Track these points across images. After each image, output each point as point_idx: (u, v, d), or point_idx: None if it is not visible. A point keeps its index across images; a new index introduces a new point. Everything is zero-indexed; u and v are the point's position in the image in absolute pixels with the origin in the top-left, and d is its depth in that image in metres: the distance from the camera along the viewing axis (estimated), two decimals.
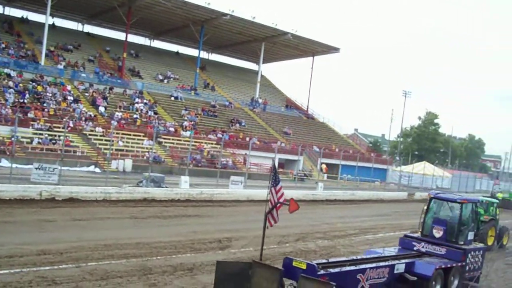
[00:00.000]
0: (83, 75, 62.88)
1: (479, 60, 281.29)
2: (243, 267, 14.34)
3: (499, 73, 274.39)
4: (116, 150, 48.17)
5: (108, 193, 31.12)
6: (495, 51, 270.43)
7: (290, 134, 76.56)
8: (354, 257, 17.23)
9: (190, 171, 42.46)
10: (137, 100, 62.28)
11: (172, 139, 56.31)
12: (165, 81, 73.84)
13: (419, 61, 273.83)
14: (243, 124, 70.88)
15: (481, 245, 21.57)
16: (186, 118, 63.53)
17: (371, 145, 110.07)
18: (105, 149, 46.95)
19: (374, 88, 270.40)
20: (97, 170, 44.13)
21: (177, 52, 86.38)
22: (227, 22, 71.40)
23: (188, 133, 56.76)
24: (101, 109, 56.49)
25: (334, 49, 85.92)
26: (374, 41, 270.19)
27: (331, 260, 16.03)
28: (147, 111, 60.97)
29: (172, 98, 68.41)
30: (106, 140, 47.73)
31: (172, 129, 58.85)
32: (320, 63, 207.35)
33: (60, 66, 61.66)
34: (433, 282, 17.16)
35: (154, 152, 46.38)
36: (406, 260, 17.54)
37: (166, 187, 35.56)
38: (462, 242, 19.13)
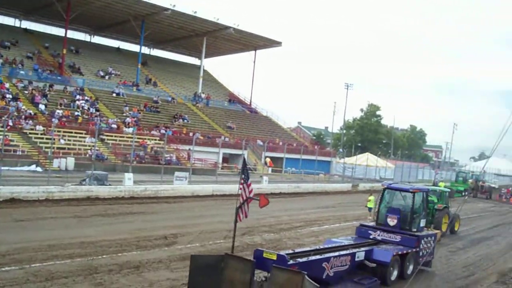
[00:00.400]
0: (21, 72, 61.37)
1: (419, 51, 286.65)
2: (216, 260, 14.59)
3: (439, 64, 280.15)
4: (58, 148, 47.34)
5: (50, 192, 30.56)
6: (434, 43, 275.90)
7: (234, 128, 76.61)
8: (317, 247, 17.84)
9: (133, 168, 42.05)
10: (78, 97, 61.26)
11: (115, 136, 55.65)
12: (107, 77, 72.83)
13: (360, 53, 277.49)
14: (186, 119, 70.56)
15: (432, 231, 22.80)
16: (128, 115, 62.86)
17: (314, 137, 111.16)
18: (46, 147, 46.06)
19: (316, 81, 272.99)
20: (39, 169, 43.19)
21: (118, 48, 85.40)
22: (168, 17, 70.87)
23: (131, 130, 56.12)
24: (41, 106, 55.37)
25: (276, 43, 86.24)
26: (316, 34, 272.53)
27: (297, 250, 16.65)
28: (88, 108, 60.03)
29: (114, 95, 67.59)
30: (47, 139, 46.80)
31: (114, 125, 58.15)
32: (262, 57, 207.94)
33: None
34: (391, 268, 18.31)
35: (97, 150, 45.76)
36: (365, 248, 18.45)
37: (110, 184, 35.12)
38: (415, 230, 20.31)
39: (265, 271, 14.40)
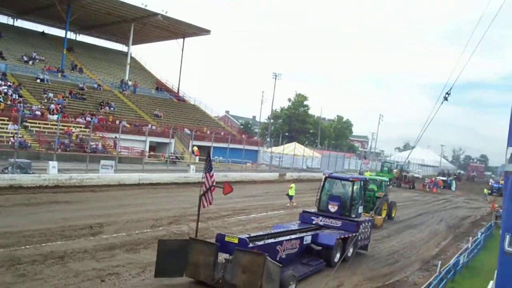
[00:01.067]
0: None
1: (345, 44, 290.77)
2: (182, 244, 16.21)
3: (365, 56, 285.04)
4: None
5: None
6: (359, 36, 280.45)
7: (161, 116, 76.06)
8: (269, 232, 19.64)
9: (58, 156, 41.31)
10: (0, 82, 59.56)
11: (39, 123, 54.31)
12: (30, 62, 70.88)
13: (288, 44, 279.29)
14: (112, 107, 69.58)
15: (369, 217, 25.29)
16: (53, 101, 61.50)
17: (242, 127, 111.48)
18: None
19: (245, 70, 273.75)
20: None
21: (43, 32, 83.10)
22: (95, 1, 69.45)
23: (55, 117, 54.84)
24: None
25: (205, 31, 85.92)
26: (245, 23, 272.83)
27: (252, 234, 17.83)
28: (11, 94, 58.43)
29: (38, 81, 65.85)
30: None
31: (38, 112, 56.74)
32: (191, 45, 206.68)
33: None
34: (335, 251, 20.44)
35: (20, 137, 44.74)
36: (312, 233, 20.55)
37: (34, 173, 34.44)
38: (354, 215, 22.64)
39: (228, 253, 15.80)
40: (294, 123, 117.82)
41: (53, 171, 35.56)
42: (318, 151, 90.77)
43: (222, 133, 79.19)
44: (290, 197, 37.58)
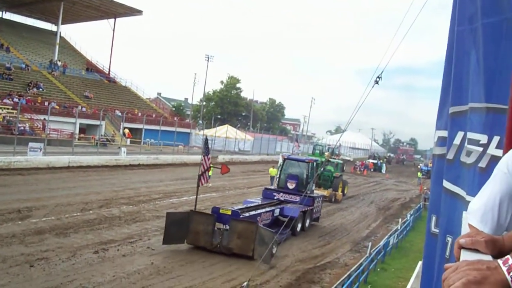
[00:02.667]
0: None
1: (277, 27, 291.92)
2: (184, 216, 19.65)
3: (296, 39, 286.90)
4: None
5: None
6: (293, 19, 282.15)
7: (92, 98, 74.80)
8: (245, 206, 23.06)
9: None
10: None
11: None
12: None
13: (220, 26, 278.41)
14: (41, 88, 67.94)
15: (321, 193, 31.07)
16: None
17: (174, 109, 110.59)
18: None
19: (177, 52, 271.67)
20: None
21: None
22: None
23: None
24: None
25: (137, 12, 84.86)
26: (177, 4, 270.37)
27: (234, 208, 21.25)
28: None
29: None
30: None
31: None
32: (123, 26, 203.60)
33: None
34: (298, 222, 24.06)
35: None
36: (280, 206, 24.46)
37: None
38: (309, 192, 25.80)
39: (222, 223, 19.37)
40: (227, 106, 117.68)
41: None
42: (251, 133, 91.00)
43: (154, 115, 78.49)
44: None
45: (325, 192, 37.19)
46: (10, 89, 62.79)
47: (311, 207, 26.32)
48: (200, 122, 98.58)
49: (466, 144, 3.12)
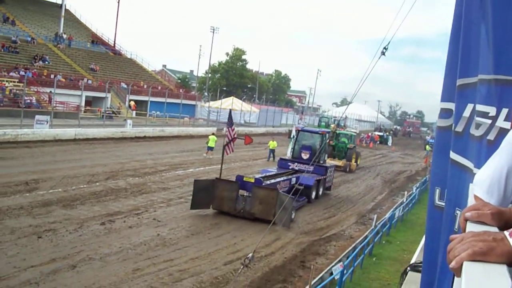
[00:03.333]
0: None
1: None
2: (210, 183, 21.30)
3: (302, 9, 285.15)
4: None
5: None
6: None
7: (97, 70, 74.66)
8: (264, 175, 24.44)
9: None
10: None
11: None
12: None
13: None
14: (47, 61, 67.79)
15: (333, 163, 33.82)
16: None
17: (179, 81, 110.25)
18: None
19: (182, 24, 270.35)
20: None
21: None
22: None
23: None
24: None
25: None
26: None
27: (256, 176, 22.93)
28: None
29: None
30: None
31: None
32: None
33: None
34: (313, 190, 26.17)
35: None
36: (295, 175, 25.77)
37: None
38: (322, 162, 28.90)
39: (246, 190, 20.95)
40: (232, 78, 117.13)
41: None
42: (256, 106, 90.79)
43: (159, 88, 78.38)
44: (210, 148, 37.83)
45: (339, 163, 41.47)
46: (16, 62, 62.69)
47: (324, 177, 28.07)
48: (206, 94, 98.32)
49: (475, 116, 3.10)
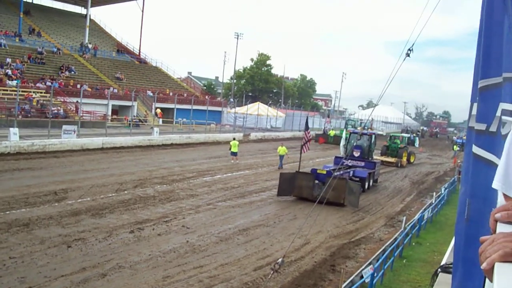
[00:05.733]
0: None
1: (304, 2, 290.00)
2: (291, 175, 26.66)
3: (326, 13, 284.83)
4: None
5: None
6: None
7: (123, 79, 75.24)
8: (334, 167, 29.35)
9: (19, 122, 40.65)
10: None
11: None
12: None
13: (249, 3, 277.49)
14: (73, 71, 68.49)
15: (378, 160, 38.67)
16: (11, 67, 60.31)
17: (205, 88, 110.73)
18: None
19: (207, 31, 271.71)
20: None
21: None
22: None
23: (14, 82, 53.99)
24: None
25: None
26: None
27: (327, 169, 28.24)
28: None
29: None
30: None
31: None
32: (151, 6, 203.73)
33: None
34: (366, 181, 31.24)
35: None
36: (351, 170, 31.03)
37: None
38: (371, 158, 35.12)
39: (319, 180, 26.19)
40: (257, 83, 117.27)
41: (14, 138, 34.98)
42: (282, 110, 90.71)
43: (185, 95, 78.74)
44: (234, 154, 37.84)
45: (392, 160, 50.46)
46: (42, 73, 63.44)
47: (373, 170, 33.51)
48: (231, 100, 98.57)
49: (501, 115, 3.04)
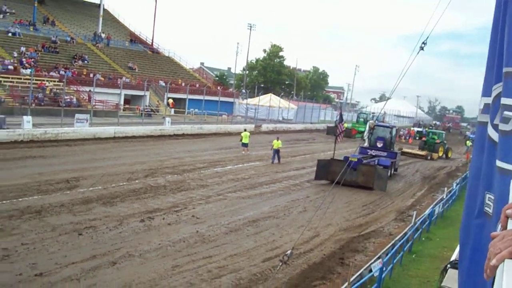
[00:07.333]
0: None
1: None
2: (327, 162, 30.03)
3: (338, 4, 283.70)
4: None
5: None
6: None
7: (136, 69, 75.35)
8: (361, 156, 33.11)
9: (32, 110, 40.82)
10: None
11: (12, 78, 53.54)
12: (1, 16, 69.47)
13: None
14: (86, 60, 68.69)
15: (398, 150, 42.00)
16: (25, 55, 60.53)
17: (217, 78, 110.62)
18: None
19: (219, 21, 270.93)
20: None
21: None
22: None
23: (28, 71, 54.13)
24: None
25: None
26: None
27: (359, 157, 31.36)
28: None
29: (10, 34, 64.60)
30: None
31: (11, 67, 55.86)
32: None
33: None
34: (389, 169, 33.20)
35: None
36: (375, 159, 33.98)
37: (8, 128, 34.06)
38: (392, 149, 37.89)
39: (352, 167, 27.20)
40: (270, 74, 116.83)
41: (27, 126, 35.21)
42: (294, 102, 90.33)
43: (197, 85, 78.70)
44: (245, 145, 37.80)
45: (422, 152, 54.20)
46: (56, 62, 63.62)
47: (394, 160, 36.52)
48: (243, 91, 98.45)
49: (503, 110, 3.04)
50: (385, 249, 16.61)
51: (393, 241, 17.61)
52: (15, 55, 59.43)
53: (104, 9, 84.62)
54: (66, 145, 34.03)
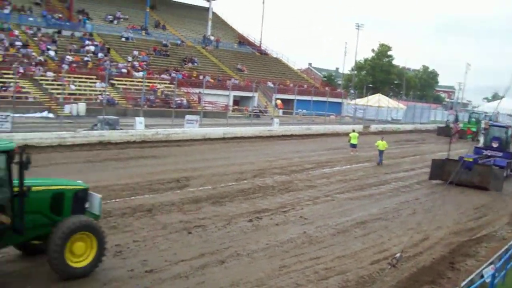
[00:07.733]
0: (30, 19, 60.65)
1: None
2: (441, 162, 29.33)
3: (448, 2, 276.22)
4: (69, 94, 47.33)
5: (62, 138, 30.91)
6: None
7: (244, 71, 76.28)
8: (477, 156, 32.01)
9: (144, 112, 42.15)
10: (87, 42, 60.89)
11: (125, 81, 55.55)
12: (115, 22, 72.25)
13: None
14: (196, 62, 70.26)
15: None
16: (138, 59, 62.60)
17: (325, 79, 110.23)
18: (57, 93, 46.13)
19: (327, 21, 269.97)
20: (51, 115, 42.93)
21: None
22: None
23: (140, 74, 55.98)
24: (51, 53, 55.04)
25: None
26: None
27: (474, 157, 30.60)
28: (98, 53, 59.70)
29: (123, 39, 67.14)
30: (58, 85, 46.82)
31: (124, 70, 57.95)
32: None
33: (6, 11, 59.39)
34: (505, 169, 32.06)
35: (107, 95, 45.73)
36: (491, 159, 32.85)
37: (121, 129, 35.31)
38: (508, 149, 35.78)
39: (466, 168, 28.00)
40: (378, 74, 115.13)
41: (140, 127, 36.33)
42: (403, 102, 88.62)
43: (305, 86, 78.72)
44: (353, 146, 37.24)
45: None
46: (167, 65, 65.52)
47: (510, 160, 34.31)
48: (352, 91, 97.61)
49: None
50: (498, 254, 15.90)
51: (506, 246, 16.84)
52: (129, 59, 61.55)
53: (213, 13, 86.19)
54: (177, 145, 34.86)
